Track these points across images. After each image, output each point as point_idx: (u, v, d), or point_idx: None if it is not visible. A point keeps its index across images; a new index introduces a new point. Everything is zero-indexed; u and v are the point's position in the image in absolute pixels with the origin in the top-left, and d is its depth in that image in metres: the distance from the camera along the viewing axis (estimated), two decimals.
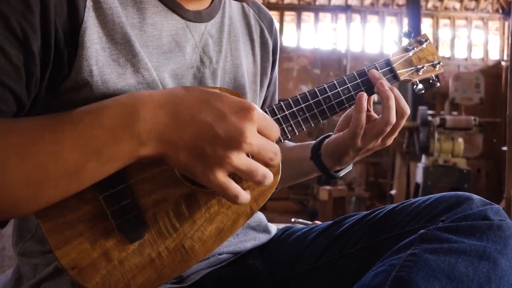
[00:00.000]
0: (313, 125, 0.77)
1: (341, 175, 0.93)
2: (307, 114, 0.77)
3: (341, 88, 0.81)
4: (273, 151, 0.60)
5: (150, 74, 0.68)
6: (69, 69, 0.62)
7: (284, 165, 0.92)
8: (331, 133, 0.91)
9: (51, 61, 0.61)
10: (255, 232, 0.88)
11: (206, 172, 0.57)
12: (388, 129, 0.80)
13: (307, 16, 6.82)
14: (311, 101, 0.78)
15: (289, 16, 6.82)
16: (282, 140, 0.73)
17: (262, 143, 0.58)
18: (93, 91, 0.63)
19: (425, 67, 0.90)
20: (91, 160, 0.56)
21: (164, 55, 0.71)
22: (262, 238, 0.89)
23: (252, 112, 0.57)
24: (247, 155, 0.58)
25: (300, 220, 1.48)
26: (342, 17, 6.76)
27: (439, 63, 0.92)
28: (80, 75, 0.62)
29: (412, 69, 0.89)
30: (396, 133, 0.83)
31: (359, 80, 0.83)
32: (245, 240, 0.85)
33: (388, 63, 0.88)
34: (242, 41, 0.87)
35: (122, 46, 0.65)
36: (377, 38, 6.78)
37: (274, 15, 6.54)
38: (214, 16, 0.80)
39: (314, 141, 0.94)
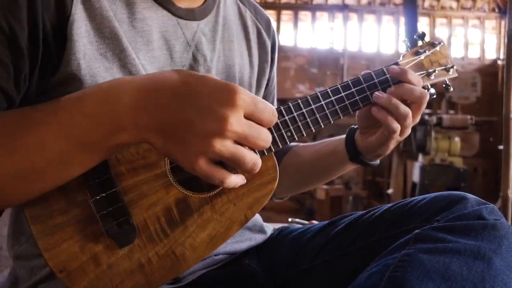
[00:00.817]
0: (313, 130, 0.75)
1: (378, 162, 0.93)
2: (308, 119, 0.74)
3: (345, 93, 0.78)
4: (263, 138, 0.56)
5: (137, 70, 0.67)
6: (59, 63, 0.62)
7: (312, 172, 0.92)
8: (353, 126, 0.90)
9: (40, 55, 0.60)
10: (251, 232, 0.88)
11: (188, 159, 0.53)
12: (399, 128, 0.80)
13: (304, 15, 6.81)
14: (313, 106, 0.75)
15: (286, 15, 6.81)
16: (273, 150, 0.69)
17: (249, 129, 0.54)
18: (82, 85, 0.63)
19: (437, 71, 0.86)
20: (76, 149, 0.56)
21: (151, 53, 0.70)
22: (258, 238, 0.89)
23: (235, 96, 0.52)
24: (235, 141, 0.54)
25: (297, 220, 1.48)
26: (339, 16, 6.76)
27: (452, 66, 0.87)
28: (69, 68, 0.62)
29: (423, 73, 0.85)
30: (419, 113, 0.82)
31: (364, 85, 0.80)
32: (241, 240, 0.85)
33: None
34: (237, 42, 0.86)
35: (110, 41, 0.65)
36: (374, 37, 6.78)
37: (271, 14, 6.54)
38: (208, 15, 0.79)
39: (337, 139, 0.93)
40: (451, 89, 0.89)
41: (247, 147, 0.56)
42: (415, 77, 0.81)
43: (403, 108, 0.79)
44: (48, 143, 0.55)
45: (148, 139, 0.55)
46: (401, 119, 0.79)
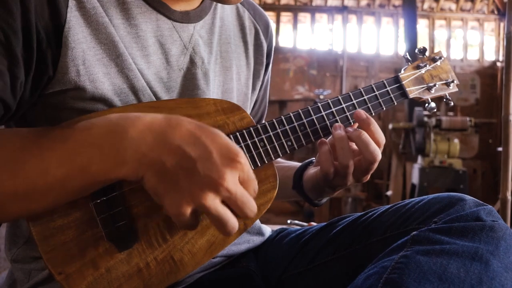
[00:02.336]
0: (313, 140, 0.75)
1: (323, 203, 0.90)
2: (308, 130, 0.74)
3: (346, 104, 0.78)
4: (251, 208, 0.56)
5: (135, 75, 0.68)
6: (54, 71, 0.62)
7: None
8: (313, 158, 0.88)
9: (34, 63, 0.60)
10: (249, 234, 0.88)
11: (175, 204, 0.54)
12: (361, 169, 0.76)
13: (304, 17, 6.82)
14: (314, 117, 0.75)
15: (286, 17, 6.82)
16: (273, 158, 0.71)
17: (242, 194, 0.55)
18: (82, 91, 0.63)
19: (437, 86, 0.87)
20: (78, 177, 0.57)
21: (146, 58, 0.70)
22: (256, 240, 0.89)
23: (238, 161, 0.55)
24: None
25: (296, 221, 1.49)
26: (338, 18, 6.77)
27: (453, 81, 0.88)
28: (67, 75, 0.62)
29: (423, 87, 0.86)
30: (370, 172, 0.77)
31: (366, 97, 0.80)
32: (239, 243, 0.84)
33: (397, 80, 0.83)
34: (235, 43, 0.86)
35: (106, 46, 0.65)
36: (373, 39, 6.79)
37: (270, 15, 6.55)
38: (204, 17, 0.79)
39: (295, 164, 0.92)
40: (452, 103, 0.89)
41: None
42: (379, 133, 0.76)
43: (348, 155, 0.74)
44: (51, 169, 0.56)
45: (144, 176, 0.56)
46: (341, 163, 0.74)
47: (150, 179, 0.55)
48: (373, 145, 0.74)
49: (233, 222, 0.55)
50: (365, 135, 0.74)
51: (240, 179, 0.56)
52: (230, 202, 0.55)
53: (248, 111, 0.90)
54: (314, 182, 0.83)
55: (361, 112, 0.76)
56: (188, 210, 0.54)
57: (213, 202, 0.53)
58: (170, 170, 0.54)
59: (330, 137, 0.79)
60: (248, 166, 0.57)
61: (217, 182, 0.53)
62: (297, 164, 0.93)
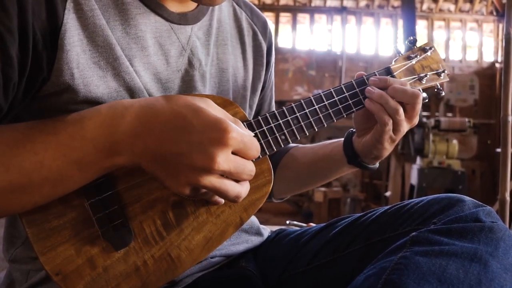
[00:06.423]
0: (307, 134, 0.76)
1: (377, 166, 0.91)
2: (302, 123, 0.75)
3: (338, 97, 0.79)
4: (248, 172, 0.60)
5: (132, 78, 0.67)
6: (48, 73, 0.62)
7: (310, 173, 0.93)
8: (351, 129, 0.90)
9: (28, 64, 0.60)
10: (248, 235, 0.88)
11: (175, 186, 0.58)
12: (391, 126, 0.79)
13: (303, 17, 6.82)
14: (307, 110, 0.76)
15: (285, 17, 6.82)
16: (268, 153, 0.71)
17: (234, 166, 0.58)
18: (75, 94, 0.63)
19: (428, 76, 0.87)
20: (73, 168, 0.58)
21: (146, 59, 0.70)
22: (255, 241, 0.89)
23: (226, 135, 0.56)
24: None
25: (295, 222, 1.48)
26: (337, 18, 6.77)
27: (443, 71, 0.88)
28: (61, 78, 0.62)
29: (415, 78, 0.86)
30: (417, 111, 0.81)
31: (357, 90, 0.81)
32: (237, 243, 0.84)
33: (388, 71, 0.84)
34: (232, 45, 0.86)
35: (103, 49, 0.65)
36: (372, 40, 6.80)
37: (269, 16, 6.55)
38: (201, 19, 0.79)
39: (335, 142, 0.92)
40: (443, 93, 0.90)
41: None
42: (399, 80, 0.82)
43: (393, 102, 0.78)
44: (46, 162, 0.57)
45: (141, 164, 0.59)
46: (391, 112, 0.78)
47: (147, 166, 0.58)
48: (409, 88, 0.80)
49: (233, 190, 0.59)
50: (396, 85, 0.80)
51: (235, 151, 0.58)
52: (226, 175, 0.59)
53: (248, 112, 0.90)
54: (373, 142, 0.82)
55: (375, 78, 0.81)
56: (187, 189, 0.58)
57: (208, 180, 0.57)
58: (162, 156, 0.57)
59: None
60: (241, 134, 0.58)
61: (207, 163, 0.56)
62: (333, 141, 0.93)
